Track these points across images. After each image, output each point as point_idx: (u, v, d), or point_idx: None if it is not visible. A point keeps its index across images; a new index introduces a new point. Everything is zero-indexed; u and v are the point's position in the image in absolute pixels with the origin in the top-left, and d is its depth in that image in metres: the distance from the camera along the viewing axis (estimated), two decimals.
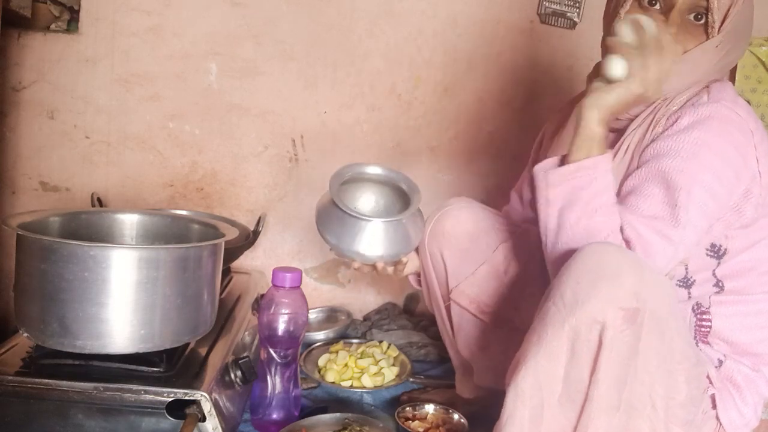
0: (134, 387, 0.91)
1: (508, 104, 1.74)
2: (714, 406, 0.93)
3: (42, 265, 0.87)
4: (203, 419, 0.91)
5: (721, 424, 0.93)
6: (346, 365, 1.36)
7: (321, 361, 1.39)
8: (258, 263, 1.69)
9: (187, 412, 0.89)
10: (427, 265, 1.20)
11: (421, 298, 1.77)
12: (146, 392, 0.90)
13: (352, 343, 1.50)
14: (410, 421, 1.13)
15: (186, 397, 0.90)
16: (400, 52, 1.69)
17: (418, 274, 1.27)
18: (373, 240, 1.07)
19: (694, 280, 0.96)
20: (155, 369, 0.94)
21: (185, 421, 0.88)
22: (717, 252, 0.94)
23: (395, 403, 1.25)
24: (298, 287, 1.13)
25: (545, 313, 0.80)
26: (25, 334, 0.92)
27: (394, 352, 1.45)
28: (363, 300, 1.77)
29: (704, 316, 0.96)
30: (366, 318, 1.72)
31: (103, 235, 1.11)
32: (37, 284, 0.88)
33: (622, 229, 0.85)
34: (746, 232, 0.93)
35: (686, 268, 0.96)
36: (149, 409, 0.90)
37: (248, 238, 1.46)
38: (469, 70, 1.71)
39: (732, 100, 0.91)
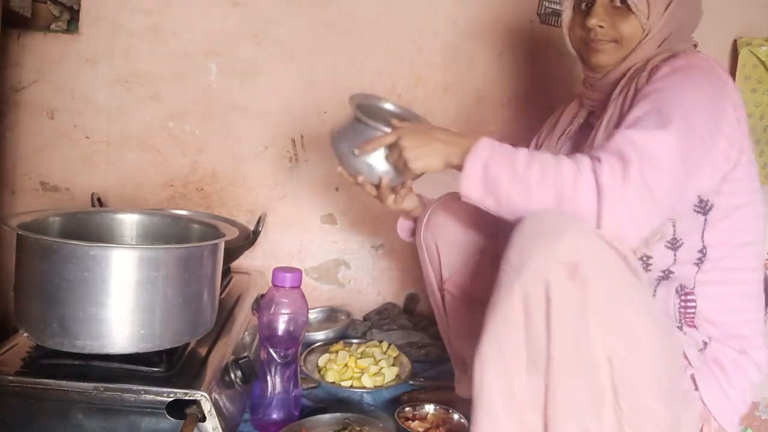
0: (134, 387, 0.90)
1: (508, 104, 1.74)
2: (696, 388, 0.93)
3: (42, 265, 0.87)
4: (203, 419, 0.91)
5: (706, 407, 0.93)
6: (346, 365, 1.36)
7: (321, 361, 1.39)
8: (258, 263, 1.69)
9: (187, 412, 0.89)
10: (422, 256, 1.22)
11: (421, 297, 1.77)
12: (146, 392, 0.90)
13: (352, 343, 1.50)
14: (410, 421, 1.13)
15: (186, 397, 0.90)
16: (400, 52, 1.69)
17: (413, 224, 1.27)
18: (384, 151, 1.07)
19: (682, 242, 0.96)
20: (155, 369, 0.94)
21: (185, 421, 0.88)
22: (704, 207, 0.95)
23: (395, 403, 1.25)
24: (298, 287, 1.13)
25: (498, 280, 0.82)
26: (25, 334, 0.92)
27: (394, 352, 1.45)
28: (363, 300, 1.77)
29: (689, 297, 0.96)
30: (366, 318, 1.72)
31: (103, 235, 1.11)
32: (37, 284, 0.88)
33: (614, 145, 0.85)
34: (730, 189, 0.94)
35: (674, 227, 0.96)
36: (149, 409, 0.90)
37: (248, 238, 1.46)
38: (469, 70, 1.71)
39: (705, 56, 0.97)
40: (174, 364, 0.97)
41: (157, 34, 1.61)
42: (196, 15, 1.61)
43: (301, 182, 1.70)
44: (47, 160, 1.60)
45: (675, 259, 0.97)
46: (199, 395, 0.91)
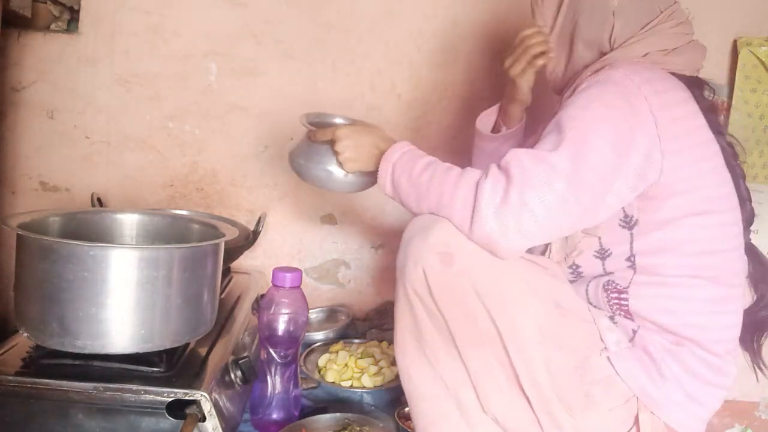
0: (134, 387, 0.91)
1: None
2: (617, 372, 0.92)
3: (42, 265, 0.87)
4: (203, 419, 0.91)
5: (634, 393, 0.92)
6: (346, 365, 1.36)
7: (321, 361, 1.39)
8: (258, 263, 1.69)
9: (187, 412, 0.89)
10: None
11: None
12: (146, 392, 0.90)
13: (352, 343, 1.50)
14: (410, 421, 1.13)
15: (186, 397, 0.90)
16: (400, 52, 1.69)
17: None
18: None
19: (610, 252, 0.97)
20: (155, 369, 0.94)
21: (185, 421, 0.88)
22: (629, 222, 0.94)
23: (395, 403, 1.25)
24: (298, 287, 1.13)
25: (395, 286, 0.94)
26: (25, 334, 0.92)
27: (393, 351, 1.45)
28: (363, 300, 1.77)
29: (622, 295, 0.96)
30: (366, 318, 1.72)
31: (103, 235, 1.11)
32: (37, 284, 0.88)
33: (504, 162, 0.88)
34: (657, 206, 0.92)
35: (599, 240, 0.97)
36: (149, 409, 0.90)
37: (248, 238, 1.46)
38: (469, 70, 1.71)
39: (630, 69, 0.94)
40: (174, 364, 0.97)
41: (157, 34, 1.61)
42: (196, 15, 1.61)
43: (301, 182, 1.69)
44: (47, 160, 1.60)
45: (604, 267, 0.98)
46: (199, 395, 0.91)
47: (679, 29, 1.02)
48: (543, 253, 1.04)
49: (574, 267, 1.02)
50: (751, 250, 1.04)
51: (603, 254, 0.98)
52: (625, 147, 0.89)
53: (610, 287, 0.97)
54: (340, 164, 1.07)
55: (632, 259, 0.96)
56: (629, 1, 1.02)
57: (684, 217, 0.92)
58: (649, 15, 1.01)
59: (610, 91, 0.91)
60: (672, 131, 0.91)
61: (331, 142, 1.07)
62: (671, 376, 0.92)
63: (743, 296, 0.99)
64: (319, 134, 1.08)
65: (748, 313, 1.01)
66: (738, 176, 1.01)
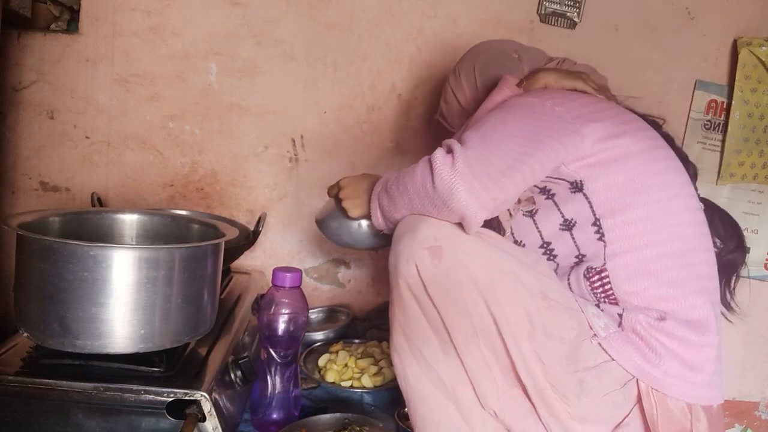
0: (134, 387, 0.91)
1: None
2: (612, 358, 0.93)
3: (42, 265, 0.87)
4: (203, 419, 0.91)
5: (631, 375, 0.93)
6: (346, 365, 1.36)
7: (321, 361, 1.39)
8: (258, 263, 1.69)
9: (187, 412, 0.89)
10: None
11: None
12: (146, 392, 0.90)
13: (352, 343, 1.50)
14: (410, 421, 1.13)
15: (186, 397, 0.90)
16: (400, 52, 1.69)
17: None
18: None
19: (575, 221, 1.00)
20: (155, 369, 0.94)
21: (185, 421, 0.88)
22: (576, 185, 0.99)
23: (395, 403, 1.25)
24: (298, 287, 1.13)
25: (390, 286, 0.96)
26: (25, 334, 0.92)
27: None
28: (363, 300, 1.77)
29: (602, 275, 0.97)
30: (366, 318, 1.72)
31: (103, 235, 1.11)
32: (37, 284, 0.88)
33: (444, 143, 0.97)
34: (588, 165, 0.98)
35: (559, 209, 1.01)
36: (149, 409, 0.91)
37: (248, 238, 1.46)
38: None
39: (529, 94, 1.09)
40: (174, 364, 0.97)
41: (157, 34, 1.61)
42: (196, 15, 1.61)
43: (301, 182, 1.70)
44: (47, 160, 1.61)
45: (574, 240, 1.00)
46: (199, 395, 0.91)
47: (563, 65, 1.22)
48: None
49: (545, 247, 1.03)
50: (706, 203, 1.08)
51: (569, 225, 1.00)
52: (538, 125, 0.98)
53: (589, 273, 0.98)
54: (345, 211, 1.14)
55: (598, 224, 0.98)
56: (523, 50, 1.28)
57: (632, 170, 0.97)
58: (539, 61, 1.26)
59: (518, 105, 1.06)
60: (578, 113, 1.01)
61: (338, 191, 1.16)
62: (663, 350, 0.93)
63: (714, 262, 1.02)
64: (330, 188, 1.21)
65: (716, 257, 1.03)
66: (670, 139, 1.08)
